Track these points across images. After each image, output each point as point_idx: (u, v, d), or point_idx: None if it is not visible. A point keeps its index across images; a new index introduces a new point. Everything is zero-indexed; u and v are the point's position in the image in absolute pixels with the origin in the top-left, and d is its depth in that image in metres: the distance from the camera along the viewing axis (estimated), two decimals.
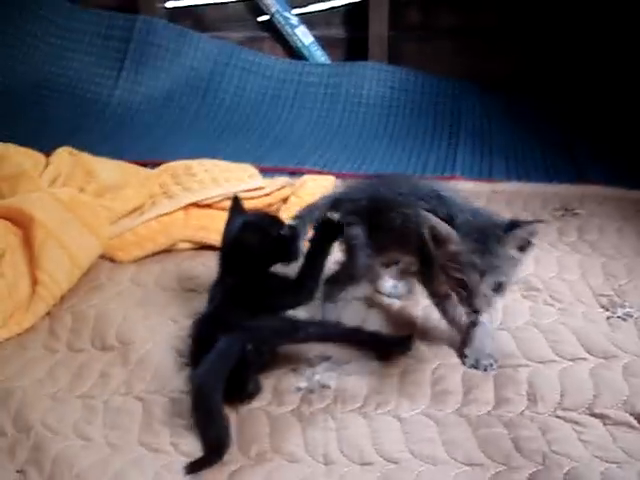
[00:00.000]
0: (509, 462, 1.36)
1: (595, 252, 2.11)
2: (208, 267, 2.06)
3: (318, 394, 1.55)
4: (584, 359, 1.62)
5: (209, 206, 2.23)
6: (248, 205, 2.24)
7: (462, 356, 1.63)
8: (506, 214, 2.32)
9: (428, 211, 1.49)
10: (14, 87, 3.52)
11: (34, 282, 1.88)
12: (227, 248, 1.71)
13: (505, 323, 1.75)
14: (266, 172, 2.58)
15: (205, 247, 2.17)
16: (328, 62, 3.70)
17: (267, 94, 3.54)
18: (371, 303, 1.88)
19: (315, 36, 3.69)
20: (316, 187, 2.31)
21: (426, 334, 1.72)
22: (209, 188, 2.26)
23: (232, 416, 1.49)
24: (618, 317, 1.79)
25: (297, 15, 3.69)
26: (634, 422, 1.43)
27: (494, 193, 2.56)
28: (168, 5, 3.76)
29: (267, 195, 2.27)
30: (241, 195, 2.22)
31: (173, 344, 1.73)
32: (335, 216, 1.66)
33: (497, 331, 1.71)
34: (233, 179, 2.33)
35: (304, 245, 1.70)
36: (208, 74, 3.60)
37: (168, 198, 2.25)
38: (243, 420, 1.49)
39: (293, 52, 3.72)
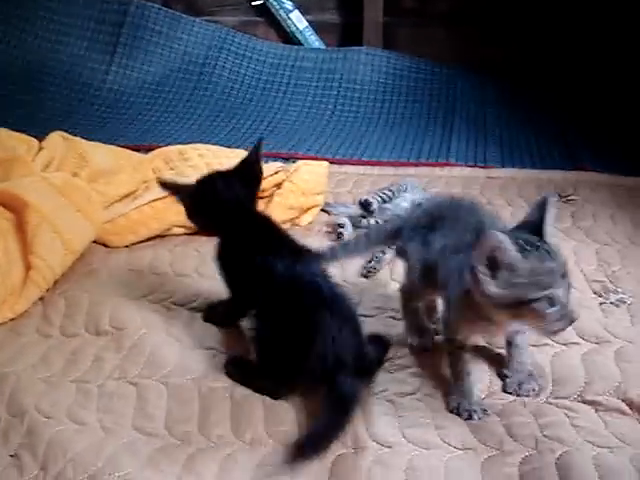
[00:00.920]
0: (502, 447, 1.36)
1: (589, 238, 2.12)
2: (202, 252, 2.07)
3: None
4: (577, 344, 1.62)
5: None
6: None
7: (503, 378, 1.54)
8: (500, 200, 2.36)
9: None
10: (6, 71, 3.50)
11: (27, 267, 1.87)
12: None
13: None
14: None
15: (198, 232, 2.16)
16: (322, 47, 3.69)
17: (261, 79, 3.53)
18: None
19: (309, 21, 3.68)
20: (310, 173, 2.30)
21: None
22: (203, 173, 2.24)
23: (226, 401, 1.49)
24: (611, 303, 1.80)
25: (291, 0, 3.67)
26: (625, 408, 1.44)
27: (489, 179, 2.57)
28: None
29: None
30: None
31: (166, 329, 1.73)
32: None
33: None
34: (227, 164, 2.32)
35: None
36: (202, 59, 3.59)
37: None
38: (238, 405, 1.49)
39: (287, 37, 3.71)
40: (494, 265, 1.26)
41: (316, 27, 3.69)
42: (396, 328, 1.70)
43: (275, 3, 3.65)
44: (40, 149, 2.30)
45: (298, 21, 3.67)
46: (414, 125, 3.18)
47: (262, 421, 1.44)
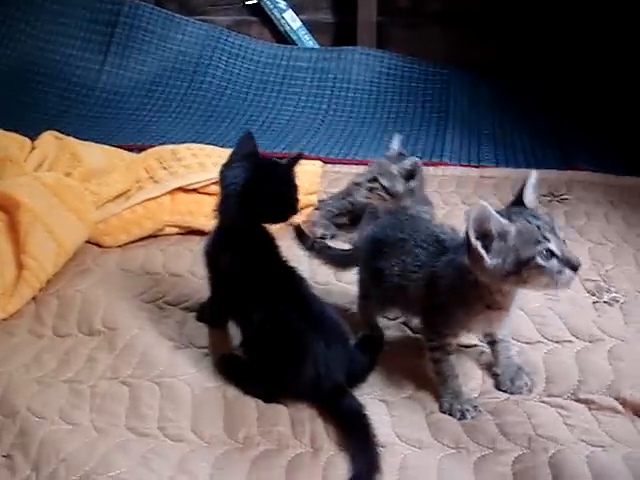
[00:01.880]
0: (495, 446, 1.37)
1: (582, 237, 2.13)
2: (194, 252, 2.06)
3: None
4: (570, 342, 1.63)
5: (196, 191, 2.22)
6: None
7: (494, 376, 1.55)
8: (494, 200, 2.35)
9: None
10: (0, 71, 3.48)
11: (20, 267, 1.87)
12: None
13: None
14: None
15: (191, 232, 2.17)
16: (316, 47, 3.69)
17: (255, 79, 3.53)
18: None
19: (303, 20, 3.68)
20: (303, 172, 2.28)
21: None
22: (196, 173, 2.25)
23: (219, 401, 1.49)
24: (604, 302, 1.81)
25: None
26: (619, 406, 1.44)
27: (482, 178, 2.57)
28: None
29: None
30: None
31: (159, 329, 1.73)
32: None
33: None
34: (220, 164, 2.31)
35: None
36: (195, 58, 3.58)
37: (154, 183, 2.24)
38: (231, 405, 1.48)
39: (281, 36, 3.71)
40: (486, 237, 1.30)
41: (310, 27, 3.69)
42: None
43: (269, 2, 3.65)
44: (33, 149, 2.29)
45: (292, 20, 3.67)
46: (408, 124, 3.18)
47: (255, 421, 1.44)
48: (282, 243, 1.63)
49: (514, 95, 3.40)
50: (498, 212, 1.32)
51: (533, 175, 1.40)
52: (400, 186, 1.90)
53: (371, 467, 1.31)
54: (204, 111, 3.33)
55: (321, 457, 1.36)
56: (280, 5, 3.64)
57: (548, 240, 1.29)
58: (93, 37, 3.62)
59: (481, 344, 1.62)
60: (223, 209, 1.60)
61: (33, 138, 2.38)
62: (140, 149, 2.59)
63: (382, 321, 1.72)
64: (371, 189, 1.92)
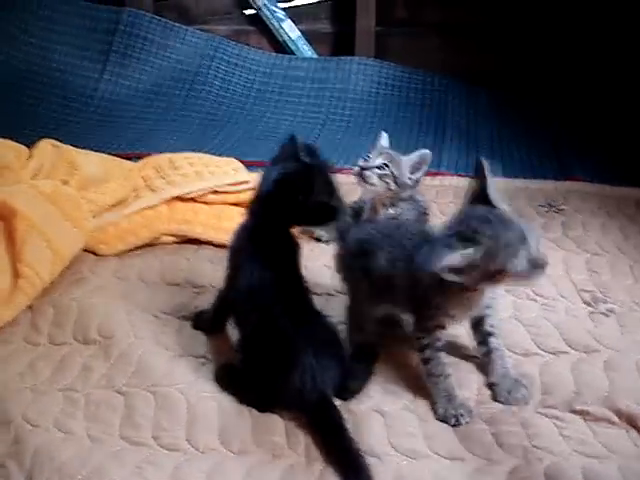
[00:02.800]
0: (490, 456, 1.36)
1: (579, 248, 2.13)
2: (191, 261, 2.06)
3: None
4: (566, 353, 1.63)
5: (193, 200, 2.22)
6: (232, 199, 2.25)
7: (490, 387, 1.55)
8: None
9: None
10: None
11: (16, 275, 1.86)
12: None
13: None
14: (251, 166, 2.57)
15: (188, 241, 2.17)
16: (315, 56, 3.69)
17: (253, 88, 3.53)
18: None
19: (302, 30, 3.69)
20: None
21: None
22: (193, 182, 2.25)
23: (214, 410, 1.49)
24: (600, 313, 1.80)
25: (284, 9, 3.68)
26: (614, 418, 1.44)
27: None
28: None
29: (251, 189, 2.26)
30: (225, 189, 2.24)
31: (155, 338, 1.72)
32: None
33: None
34: (218, 173, 2.32)
35: None
36: (194, 68, 3.59)
37: (152, 191, 2.23)
38: (226, 414, 1.48)
39: (280, 46, 3.72)
40: (458, 270, 1.35)
41: (308, 36, 3.70)
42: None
43: (267, 12, 3.66)
44: (30, 157, 2.29)
45: (290, 30, 3.68)
46: (405, 134, 3.18)
47: (250, 431, 1.44)
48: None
49: (512, 105, 3.41)
50: (462, 232, 1.36)
51: (487, 166, 1.46)
52: (406, 177, 1.91)
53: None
54: (202, 120, 3.33)
55: (315, 467, 1.35)
56: (279, 15, 3.65)
57: (515, 255, 1.33)
58: (92, 46, 3.62)
59: (477, 355, 1.62)
60: (252, 207, 1.60)
61: (30, 146, 2.37)
62: (138, 157, 2.59)
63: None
64: (380, 176, 1.92)
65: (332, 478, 1.33)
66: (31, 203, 1.97)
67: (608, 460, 1.35)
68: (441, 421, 1.46)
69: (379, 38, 3.66)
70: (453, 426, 1.44)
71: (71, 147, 2.37)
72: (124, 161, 2.47)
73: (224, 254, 2.04)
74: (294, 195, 1.50)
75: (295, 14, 3.68)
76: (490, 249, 1.34)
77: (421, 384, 1.54)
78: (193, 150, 2.64)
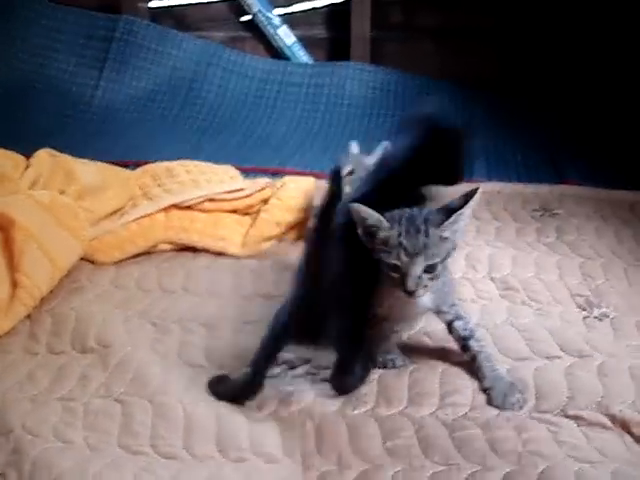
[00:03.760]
0: (484, 462, 1.37)
1: (573, 252, 2.13)
2: (188, 269, 2.07)
3: (297, 396, 1.56)
4: (559, 357, 1.63)
5: (190, 207, 2.23)
6: (228, 206, 2.26)
7: (484, 392, 1.55)
8: (486, 214, 2.37)
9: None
10: None
11: (14, 285, 1.87)
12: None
13: (483, 322, 1.77)
14: (247, 173, 2.59)
15: (185, 248, 2.18)
16: (310, 62, 3.70)
17: (249, 94, 3.54)
18: None
19: (297, 36, 3.70)
20: (297, 189, 2.31)
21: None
22: (190, 190, 2.26)
23: (211, 419, 1.50)
24: (594, 317, 1.82)
25: (279, 15, 3.69)
26: (608, 423, 1.45)
27: None
28: (150, 5, 3.74)
29: (248, 196, 2.28)
30: (222, 197, 2.25)
31: (153, 346, 1.73)
32: None
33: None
34: (214, 181, 2.34)
35: None
36: (190, 74, 3.59)
37: (148, 200, 2.25)
38: (223, 422, 1.49)
39: (275, 52, 3.72)
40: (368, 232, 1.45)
41: (304, 42, 3.71)
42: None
43: (263, 19, 3.67)
44: (27, 167, 2.30)
45: (286, 36, 3.68)
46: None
47: (247, 438, 1.45)
48: None
49: (506, 109, 3.42)
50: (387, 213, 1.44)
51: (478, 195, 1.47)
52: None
53: None
54: (199, 126, 3.35)
55: (312, 474, 1.37)
56: (274, 21, 3.67)
57: (398, 259, 1.42)
58: (89, 53, 3.62)
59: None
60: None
61: (28, 155, 2.39)
62: (136, 165, 2.60)
63: None
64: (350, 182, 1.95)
65: None
66: (28, 213, 1.98)
67: (602, 465, 1.35)
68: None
69: (374, 43, 3.67)
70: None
71: (68, 156, 2.38)
72: (121, 169, 2.48)
73: (221, 261, 2.07)
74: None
75: (290, 20, 3.69)
76: (388, 235, 1.43)
77: (417, 390, 1.55)
78: (190, 157, 2.64)
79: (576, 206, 2.44)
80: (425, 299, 1.51)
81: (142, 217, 2.18)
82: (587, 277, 2.00)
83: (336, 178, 1.58)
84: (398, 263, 1.42)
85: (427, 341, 1.71)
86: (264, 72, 3.62)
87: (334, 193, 1.54)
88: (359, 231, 1.45)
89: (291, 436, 1.45)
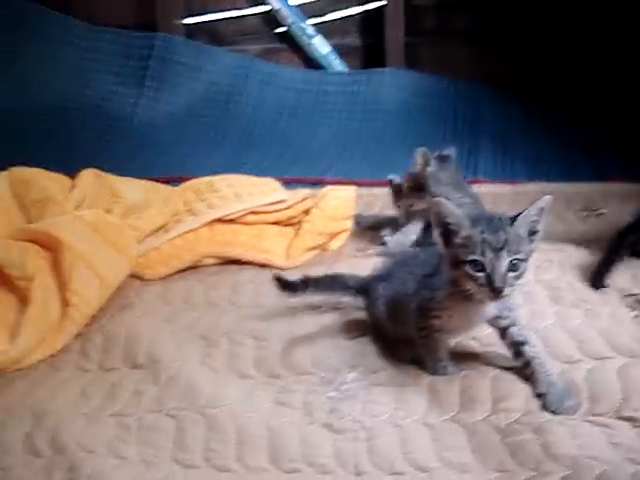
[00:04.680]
0: (539, 467, 1.35)
1: None
2: (234, 282, 2.09)
3: (348, 404, 1.56)
4: (611, 358, 1.61)
5: (233, 221, 2.25)
6: (270, 218, 2.27)
7: (538, 397, 1.53)
8: None
9: None
10: (37, 110, 3.56)
11: (65, 304, 1.91)
12: None
13: (532, 325, 1.75)
14: (288, 184, 2.60)
15: (230, 262, 2.20)
16: (346, 70, 3.71)
17: (286, 105, 3.57)
18: None
19: (332, 45, 3.71)
20: (337, 198, 2.32)
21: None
22: (232, 203, 2.28)
23: (263, 430, 1.50)
24: None
25: (313, 25, 3.71)
26: None
27: (517, 195, 2.56)
28: (186, 21, 3.79)
29: (289, 208, 2.29)
30: (264, 209, 2.27)
31: (202, 359, 1.75)
32: None
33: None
34: (256, 193, 2.35)
35: None
36: (227, 88, 3.64)
37: (192, 215, 2.27)
38: (275, 433, 1.50)
39: (311, 62, 3.75)
40: (446, 229, 1.46)
41: (339, 51, 3.72)
42: None
43: (298, 29, 3.69)
44: (72, 187, 2.34)
45: (321, 46, 3.71)
46: (440, 143, 3.16)
47: (299, 449, 1.45)
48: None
49: (544, 109, 3.39)
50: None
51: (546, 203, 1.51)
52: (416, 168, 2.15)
53: None
54: (239, 139, 3.38)
55: None
56: (308, 31, 3.69)
57: (484, 255, 1.41)
58: (127, 72, 3.70)
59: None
60: None
61: (73, 176, 2.43)
62: (177, 181, 2.64)
63: None
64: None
65: None
66: (76, 233, 2.02)
67: None
68: None
69: (409, 48, 3.67)
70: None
71: (112, 175, 2.42)
72: (163, 186, 2.51)
73: (265, 273, 2.08)
74: None
75: (325, 29, 3.71)
76: (470, 235, 1.44)
77: (469, 395, 1.54)
78: (231, 171, 2.67)
79: (622, 204, 2.39)
80: (491, 306, 1.51)
81: (186, 232, 2.20)
82: (636, 276, 1.97)
83: None
84: (483, 259, 1.41)
85: (475, 346, 1.70)
86: (300, 82, 3.64)
87: None
88: (435, 233, 1.47)
89: (343, 445, 1.45)
